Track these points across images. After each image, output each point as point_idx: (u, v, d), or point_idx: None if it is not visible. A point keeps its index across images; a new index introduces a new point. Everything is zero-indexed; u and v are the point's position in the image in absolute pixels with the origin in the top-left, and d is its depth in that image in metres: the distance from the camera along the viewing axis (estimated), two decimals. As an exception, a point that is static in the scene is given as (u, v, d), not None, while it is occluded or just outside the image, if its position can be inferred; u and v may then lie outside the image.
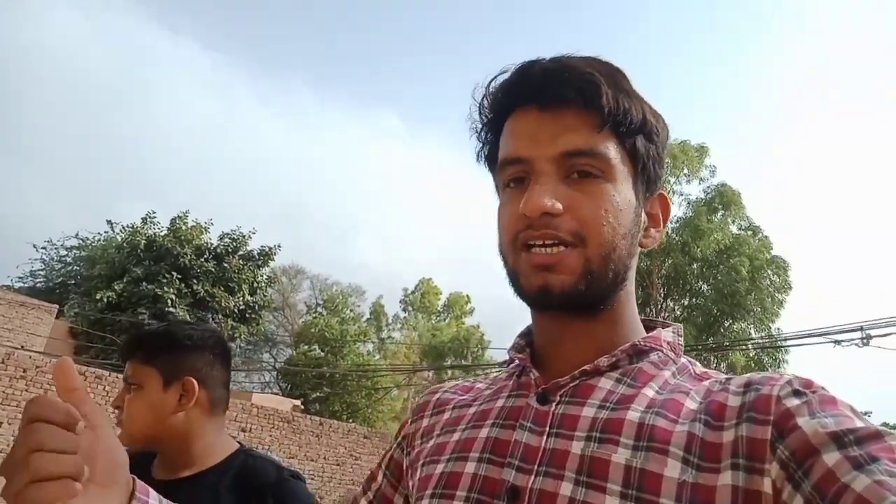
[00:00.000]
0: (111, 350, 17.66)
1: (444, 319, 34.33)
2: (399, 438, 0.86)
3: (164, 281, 19.21)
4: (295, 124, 55.68)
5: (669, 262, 20.51)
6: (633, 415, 0.62)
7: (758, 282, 19.10)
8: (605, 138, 0.67)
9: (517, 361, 0.77)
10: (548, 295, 0.66)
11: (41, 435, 0.55)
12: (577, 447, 0.62)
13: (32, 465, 0.54)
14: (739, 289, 18.62)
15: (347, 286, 35.00)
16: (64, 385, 0.60)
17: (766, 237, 20.55)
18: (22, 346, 13.93)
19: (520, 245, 0.68)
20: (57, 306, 18.45)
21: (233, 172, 51.68)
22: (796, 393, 0.57)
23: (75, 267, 24.73)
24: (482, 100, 0.76)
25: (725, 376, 0.66)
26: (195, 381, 1.41)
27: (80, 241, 25.03)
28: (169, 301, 18.95)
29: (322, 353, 27.18)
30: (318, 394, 25.64)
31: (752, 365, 17.76)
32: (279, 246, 22.91)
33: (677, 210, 21.50)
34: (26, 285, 24.32)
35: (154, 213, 22.14)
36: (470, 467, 0.68)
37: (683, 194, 21.53)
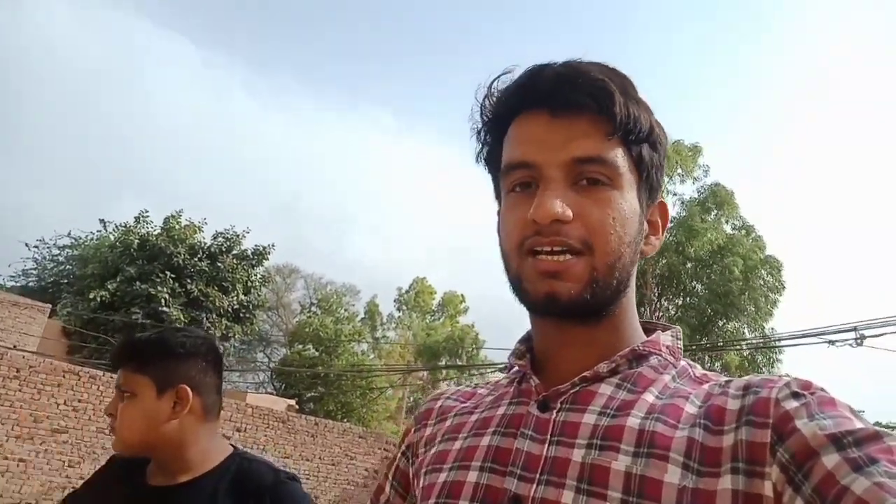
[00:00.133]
0: (104, 350, 17.58)
1: (439, 319, 34.36)
2: (403, 447, 0.86)
3: (158, 280, 19.12)
4: (289, 122, 55.63)
5: (664, 261, 20.57)
6: (633, 421, 0.62)
7: (751, 282, 19.17)
8: (614, 146, 0.67)
9: (517, 368, 0.77)
10: (554, 302, 0.66)
11: None
12: (577, 455, 0.62)
13: None
14: (733, 288, 18.69)
15: (342, 285, 34.98)
16: None
17: (759, 237, 20.65)
18: (14, 346, 13.86)
19: (525, 251, 0.67)
20: (50, 306, 18.37)
21: (227, 171, 51.64)
22: (795, 395, 0.57)
23: (68, 266, 24.62)
24: (484, 100, 0.75)
25: (725, 379, 0.67)
26: (189, 389, 1.42)
27: (73, 240, 24.94)
28: (162, 301, 18.87)
29: (316, 353, 27.18)
30: (312, 393, 25.62)
31: (746, 365, 17.85)
32: (273, 245, 22.89)
33: (671, 210, 21.49)
34: (18, 284, 24.23)
35: (147, 212, 22.06)
36: (472, 476, 0.68)
37: (677, 194, 21.64)
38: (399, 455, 0.87)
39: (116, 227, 22.72)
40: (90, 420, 10.81)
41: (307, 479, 12.80)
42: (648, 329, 0.76)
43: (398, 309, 34.91)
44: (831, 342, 10.96)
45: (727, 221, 21.16)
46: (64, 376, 10.79)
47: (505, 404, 0.74)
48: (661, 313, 20.68)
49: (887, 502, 0.45)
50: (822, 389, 0.58)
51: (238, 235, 21.99)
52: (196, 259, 20.31)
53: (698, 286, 20.47)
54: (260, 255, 22.44)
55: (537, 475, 0.63)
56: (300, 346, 27.81)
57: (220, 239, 21.71)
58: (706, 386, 0.66)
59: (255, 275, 22.33)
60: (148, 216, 21.95)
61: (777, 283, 19.52)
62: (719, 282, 19.08)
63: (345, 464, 14.01)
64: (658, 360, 0.70)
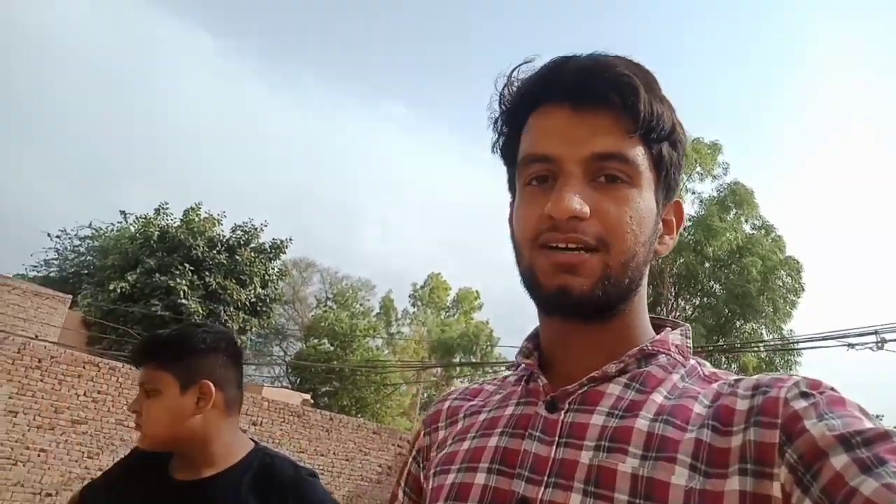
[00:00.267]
0: (124, 341, 17.81)
1: (453, 315, 34.39)
2: (414, 452, 0.86)
3: (177, 272, 19.27)
4: (303, 114, 55.86)
5: (681, 260, 20.40)
6: (641, 423, 0.62)
7: (770, 283, 18.94)
8: (635, 143, 0.66)
9: (524, 366, 0.76)
10: (566, 296, 0.65)
11: None
12: (585, 457, 0.61)
13: None
14: (751, 289, 18.47)
15: (357, 280, 35.18)
16: None
17: (779, 237, 20.39)
18: (36, 336, 14.08)
19: (539, 244, 0.67)
20: (70, 296, 18.62)
21: (241, 162, 51.95)
22: (804, 395, 0.57)
23: (89, 257, 24.98)
24: (504, 89, 0.74)
25: (735, 377, 0.66)
26: (212, 384, 1.44)
27: (94, 231, 25.31)
28: (181, 293, 19.03)
29: (331, 348, 27.32)
30: (327, 388, 25.79)
31: (764, 367, 17.65)
32: (290, 239, 22.98)
33: (689, 208, 21.39)
34: (40, 274, 24.61)
35: (167, 204, 22.28)
36: (480, 478, 0.67)
37: (696, 192, 21.42)
38: (410, 460, 0.86)
39: (137, 218, 22.98)
40: (109, 411, 10.96)
41: (322, 474, 12.84)
42: (658, 326, 0.75)
43: (413, 304, 35.02)
44: (851, 345, 10.84)
45: (747, 221, 20.91)
46: (84, 367, 10.94)
47: (513, 404, 0.74)
48: (677, 313, 20.52)
49: None
50: (832, 389, 0.58)
51: (256, 228, 22.11)
52: (214, 252, 20.46)
53: (716, 286, 20.26)
54: (277, 248, 22.54)
55: (545, 477, 0.62)
56: (315, 341, 27.98)
57: (239, 232, 21.85)
58: (715, 385, 0.65)
59: (273, 268, 22.42)
60: (168, 208, 22.19)
61: (796, 285, 19.29)
62: (737, 282, 18.87)
63: (359, 459, 14.09)
64: (667, 359, 0.69)
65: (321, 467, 13.07)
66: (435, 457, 0.78)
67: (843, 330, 10.70)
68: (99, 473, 1.64)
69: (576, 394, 0.67)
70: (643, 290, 0.72)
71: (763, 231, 20.62)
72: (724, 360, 18.02)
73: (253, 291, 21.12)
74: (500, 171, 0.80)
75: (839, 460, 0.49)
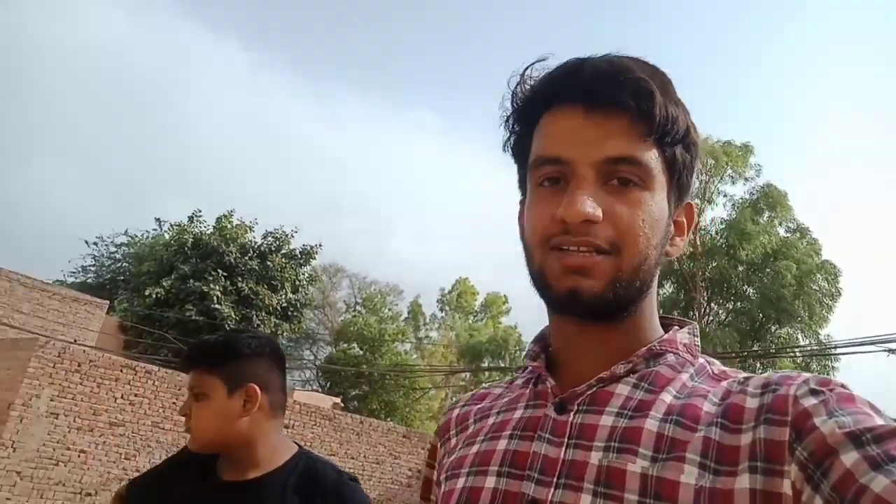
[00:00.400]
0: (159, 345, 18.18)
1: (481, 320, 34.30)
2: (435, 465, 0.86)
3: (211, 278, 19.61)
4: (334, 123, 56.28)
5: (714, 264, 20.09)
6: (651, 423, 0.62)
7: (805, 287, 18.56)
8: (649, 147, 0.66)
9: (531, 368, 0.77)
10: (576, 298, 0.64)
11: None
12: (595, 458, 0.61)
13: None
14: (785, 294, 18.13)
15: (385, 285, 35.29)
16: None
17: (814, 240, 19.96)
18: (75, 340, 14.46)
19: (551, 247, 0.67)
20: (107, 302, 19.06)
21: (274, 171, 52.65)
22: (813, 392, 0.56)
23: (124, 263, 25.57)
24: (517, 88, 0.73)
25: (744, 375, 0.65)
26: (257, 387, 1.49)
27: (129, 238, 25.89)
28: (215, 298, 19.36)
29: (361, 352, 27.48)
30: (356, 391, 25.93)
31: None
32: (320, 245, 23.25)
33: (721, 211, 21.06)
34: (78, 280, 25.21)
35: (200, 211, 22.67)
36: (490, 482, 0.67)
37: (727, 195, 21.08)
38: (433, 474, 0.86)
39: (171, 226, 23.46)
40: (146, 414, 11.18)
41: (352, 477, 12.94)
42: (667, 325, 0.75)
43: (441, 309, 35.03)
44: (891, 351, 10.56)
45: (781, 224, 20.53)
46: (121, 371, 11.16)
47: (521, 407, 0.74)
48: (710, 317, 20.20)
49: None
50: (842, 386, 0.58)
51: (287, 235, 22.41)
52: (247, 258, 20.77)
53: (750, 290, 19.92)
54: (307, 254, 22.81)
55: (555, 479, 0.62)
56: (345, 345, 28.18)
57: (270, 238, 22.17)
58: (725, 383, 0.65)
59: (303, 274, 22.72)
60: (201, 216, 22.59)
61: (833, 289, 18.85)
62: (771, 286, 18.55)
63: (389, 463, 14.15)
64: (675, 358, 0.69)
65: (351, 470, 13.07)
66: (446, 462, 0.78)
67: (884, 335, 10.43)
68: (136, 474, 1.70)
69: (585, 395, 0.67)
70: (653, 291, 0.72)
71: (798, 234, 20.22)
72: (758, 365, 17.69)
73: (284, 296, 21.39)
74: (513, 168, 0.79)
75: (849, 457, 0.49)
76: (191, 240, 20.81)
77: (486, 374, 25.27)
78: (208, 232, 21.56)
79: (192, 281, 19.56)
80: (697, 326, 0.76)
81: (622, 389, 0.66)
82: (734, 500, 0.54)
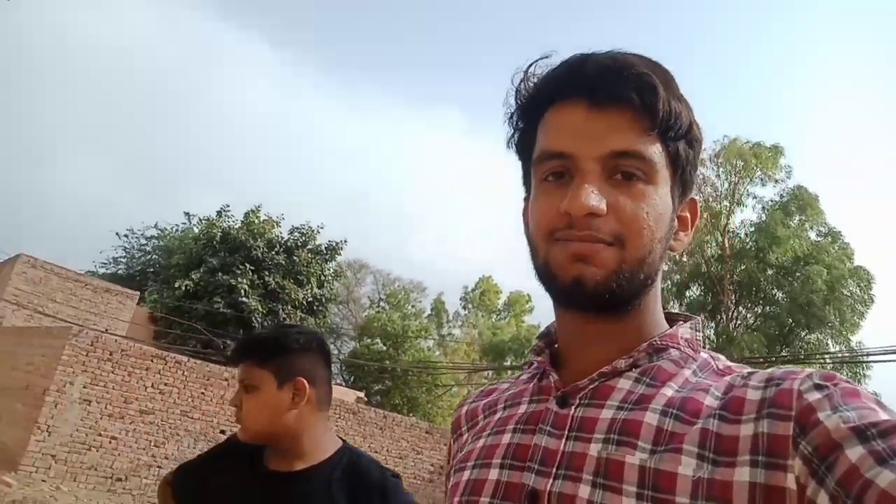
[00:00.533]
0: (188, 336, 18.48)
1: (504, 318, 34.25)
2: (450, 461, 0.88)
3: (238, 272, 19.83)
4: (360, 120, 56.56)
5: (742, 267, 19.81)
6: (651, 416, 0.62)
7: (836, 292, 18.20)
8: (652, 141, 0.67)
9: (536, 364, 0.78)
10: (581, 287, 0.65)
11: None
12: (594, 449, 0.62)
13: None
14: (815, 299, 17.80)
15: (409, 282, 35.45)
16: None
17: (846, 244, 19.56)
18: (106, 330, 14.78)
19: (555, 240, 0.67)
20: (138, 293, 19.43)
21: (300, 167, 53.09)
22: (818, 387, 0.56)
23: (154, 256, 26.03)
24: (521, 84, 0.74)
25: (749, 370, 0.65)
26: (306, 381, 1.53)
27: (159, 232, 26.36)
28: (242, 291, 19.59)
29: (384, 347, 27.62)
30: (379, 386, 26.07)
31: (829, 378, 16.94)
32: (345, 241, 23.40)
33: (751, 213, 20.76)
34: (108, 271, 25.74)
35: (228, 206, 23.00)
36: (493, 474, 0.69)
37: (757, 197, 20.78)
38: (449, 472, 0.86)
39: (200, 220, 23.83)
40: (175, 403, 11.41)
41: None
42: (672, 321, 0.75)
43: (463, 307, 35.04)
44: (925, 359, 10.35)
45: (812, 227, 20.16)
46: (152, 361, 11.41)
47: (525, 402, 0.75)
48: (738, 321, 19.92)
49: None
50: (847, 381, 0.58)
51: (313, 230, 22.59)
52: (273, 252, 20.99)
53: (779, 295, 19.58)
54: (333, 250, 22.95)
55: (554, 469, 0.63)
56: (369, 340, 28.33)
57: (297, 233, 22.37)
58: (728, 378, 0.65)
59: (329, 269, 22.86)
60: (229, 210, 22.91)
61: (865, 296, 18.47)
62: (801, 291, 18.23)
63: (411, 458, 14.23)
64: (678, 353, 0.70)
65: (375, 465, 13.17)
66: (456, 457, 0.80)
67: None
68: (165, 461, 1.75)
69: (586, 389, 0.68)
70: (657, 286, 0.72)
71: (829, 238, 19.85)
72: (786, 370, 17.37)
73: (310, 291, 21.57)
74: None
75: (854, 452, 0.49)
76: (219, 234, 21.11)
77: (509, 372, 25.23)
78: (236, 226, 21.84)
79: (220, 274, 19.82)
80: (700, 321, 0.76)
81: (623, 384, 0.67)
82: (733, 491, 0.54)
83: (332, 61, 56.71)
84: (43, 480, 9.76)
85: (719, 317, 19.21)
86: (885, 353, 11.26)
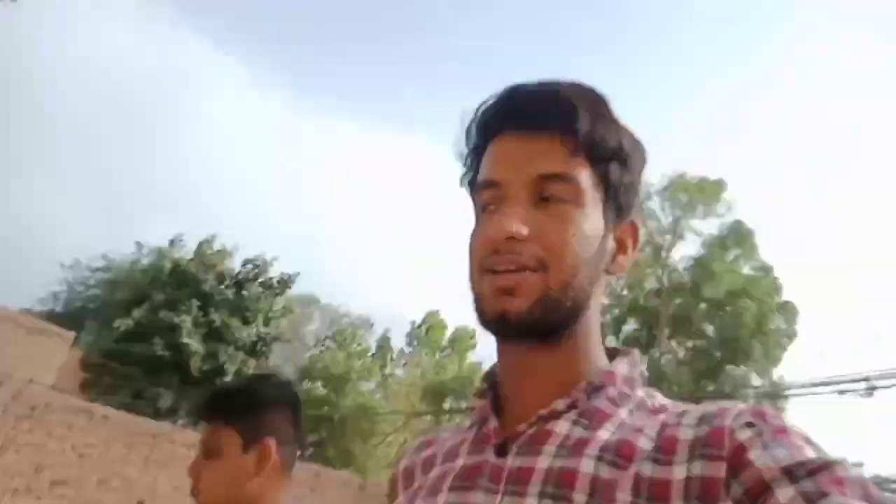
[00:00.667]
0: (118, 385, 17.78)
1: (449, 356, 33.41)
2: None
3: (183, 308, 19.14)
4: (329, 146, 55.90)
5: (678, 301, 20.27)
6: (586, 464, 0.60)
7: (763, 327, 18.78)
8: (578, 164, 0.68)
9: (478, 409, 0.76)
10: (504, 320, 0.65)
11: None
12: None
13: None
14: (743, 334, 18.34)
15: (357, 318, 34.74)
16: None
17: (776, 279, 20.12)
18: (31, 380, 14.09)
19: (484, 270, 0.67)
20: (73, 334, 18.46)
21: (262, 194, 52.00)
22: (749, 424, 0.57)
23: (96, 291, 24.91)
24: (470, 124, 0.76)
25: (683, 407, 0.66)
26: (274, 443, 1.40)
27: (107, 262, 24.71)
28: (184, 331, 18.86)
29: (324, 392, 26.61)
30: (315, 436, 24.40)
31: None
32: (298, 273, 22.69)
33: (691, 248, 21.27)
34: (46, 308, 24.30)
35: (182, 236, 22.09)
36: None
37: (699, 233, 21.19)
38: None
39: (151, 250, 22.71)
40: (94, 469, 9.95)
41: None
42: (612, 355, 0.74)
43: (408, 344, 34.01)
44: (841, 392, 10.85)
45: (746, 262, 20.57)
46: (76, 415, 9.99)
47: (463, 454, 0.71)
48: (670, 356, 20.31)
49: None
50: (776, 415, 0.59)
51: (266, 262, 21.87)
52: (223, 286, 20.31)
53: (710, 329, 20.00)
54: (284, 283, 22.22)
55: None
56: (309, 384, 27.09)
57: (249, 265, 21.64)
58: (662, 416, 0.65)
59: (278, 304, 22.09)
60: (182, 240, 21.96)
61: (790, 330, 19.09)
62: (731, 325, 18.70)
63: (343, 519, 12.91)
64: (615, 391, 0.68)
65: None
66: None
67: (834, 377, 10.75)
68: None
69: (525, 434, 0.66)
70: (593, 316, 0.71)
71: (761, 272, 20.36)
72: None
73: (255, 330, 20.91)
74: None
75: (784, 493, 0.50)
76: (168, 266, 20.38)
77: (447, 416, 24.71)
78: (187, 258, 21.08)
79: (164, 311, 19.07)
80: (638, 355, 0.76)
81: (561, 427, 0.65)
82: None
83: (306, 83, 55.61)
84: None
85: (653, 350, 19.55)
86: (803, 387, 11.75)
